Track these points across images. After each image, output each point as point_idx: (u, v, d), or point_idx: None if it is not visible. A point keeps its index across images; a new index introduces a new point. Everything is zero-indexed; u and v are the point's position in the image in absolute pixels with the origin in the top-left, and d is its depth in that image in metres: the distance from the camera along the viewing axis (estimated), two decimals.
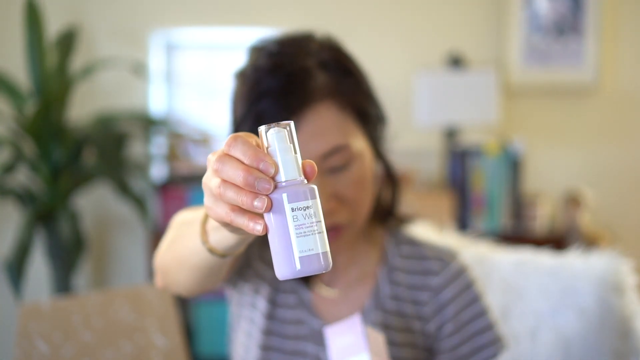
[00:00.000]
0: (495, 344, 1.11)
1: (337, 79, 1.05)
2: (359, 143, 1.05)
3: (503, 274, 1.47)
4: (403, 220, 1.19)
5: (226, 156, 0.65)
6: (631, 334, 1.37)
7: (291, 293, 1.15)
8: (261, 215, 0.66)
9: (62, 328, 1.49)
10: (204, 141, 3.08)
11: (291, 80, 1.02)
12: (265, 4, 3.07)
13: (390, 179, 1.16)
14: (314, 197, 0.66)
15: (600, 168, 3.11)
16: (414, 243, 1.16)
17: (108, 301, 1.55)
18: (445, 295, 1.11)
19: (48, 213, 2.71)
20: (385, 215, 1.17)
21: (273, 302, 1.15)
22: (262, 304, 1.16)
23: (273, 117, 1.00)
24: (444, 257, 1.14)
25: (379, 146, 1.12)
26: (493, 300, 1.46)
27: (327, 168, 1.02)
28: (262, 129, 0.68)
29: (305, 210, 0.65)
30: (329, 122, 1.02)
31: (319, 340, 1.11)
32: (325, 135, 1.02)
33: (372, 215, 1.15)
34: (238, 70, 1.09)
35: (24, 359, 1.44)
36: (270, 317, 1.15)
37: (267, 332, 1.14)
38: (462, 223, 2.86)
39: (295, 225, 0.65)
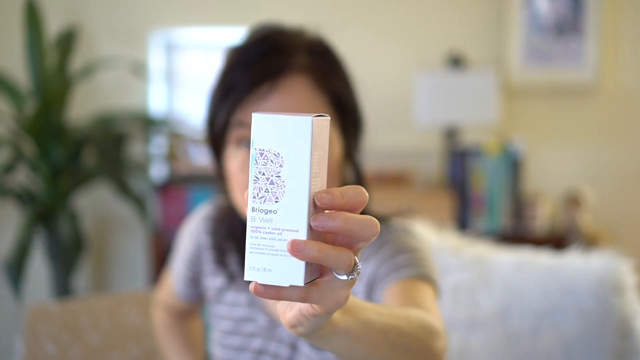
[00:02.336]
0: (417, 267, 1.02)
1: (319, 62, 1.05)
2: (330, 129, 1.05)
3: (503, 274, 1.47)
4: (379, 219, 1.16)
5: None
6: (631, 334, 1.37)
7: (242, 292, 1.18)
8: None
9: (69, 330, 1.49)
10: (204, 141, 3.07)
11: (272, 49, 1.03)
12: (265, 3, 3.07)
13: (357, 182, 1.13)
14: None
15: (600, 168, 3.11)
16: None
17: (116, 305, 1.55)
18: (371, 257, 1.06)
19: (48, 213, 2.71)
20: None
21: (225, 302, 1.20)
22: (217, 305, 1.22)
23: (245, 87, 1.02)
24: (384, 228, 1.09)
25: (351, 147, 1.10)
26: (492, 300, 1.46)
27: None
28: None
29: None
30: (301, 95, 1.03)
31: (269, 335, 1.14)
32: (295, 107, 1.02)
33: None
34: (228, 48, 1.10)
35: (32, 359, 1.44)
36: (225, 316, 1.19)
37: (226, 332, 1.19)
38: (462, 223, 2.86)
39: None
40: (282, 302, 0.64)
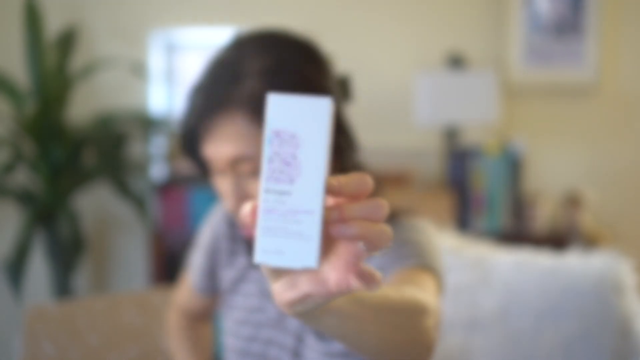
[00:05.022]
0: (420, 257, 1.03)
1: (267, 88, 0.99)
2: None
3: (503, 274, 1.47)
4: None
5: None
6: (631, 334, 1.37)
7: (253, 282, 1.20)
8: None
9: (68, 331, 1.49)
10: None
11: (220, 81, 1.03)
12: (265, 3, 3.07)
13: None
14: None
15: (600, 168, 3.12)
16: None
17: (114, 305, 1.55)
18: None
19: (48, 213, 2.71)
20: None
21: (239, 293, 1.22)
22: (232, 297, 1.24)
23: (198, 114, 1.03)
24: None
25: (344, 164, 1.06)
26: (493, 300, 1.47)
27: (237, 173, 1.04)
28: None
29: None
30: (239, 129, 1.01)
31: (278, 325, 1.15)
32: (232, 142, 1.02)
33: None
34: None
35: None
36: (239, 306, 1.21)
37: (238, 322, 1.21)
38: (462, 223, 2.86)
39: None
40: (282, 281, 0.62)
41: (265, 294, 1.18)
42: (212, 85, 1.03)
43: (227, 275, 1.25)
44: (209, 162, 1.06)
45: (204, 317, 1.39)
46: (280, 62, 1.02)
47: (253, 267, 1.21)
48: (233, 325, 1.21)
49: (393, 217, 1.13)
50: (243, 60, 1.03)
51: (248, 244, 1.21)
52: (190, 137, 1.07)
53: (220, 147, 1.03)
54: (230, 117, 1.01)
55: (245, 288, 1.22)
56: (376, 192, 1.07)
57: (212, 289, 1.31)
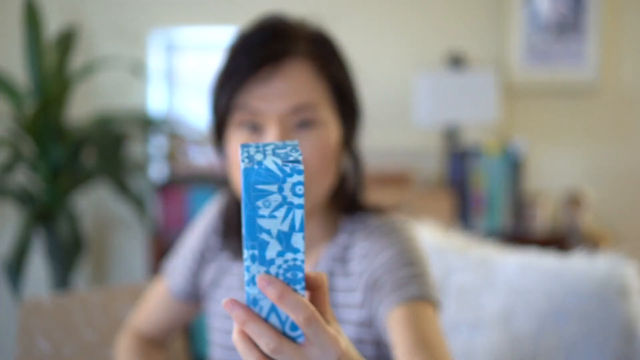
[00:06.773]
0: (419, 285, 1.01)
1: (320, 49, 1.08)
2: (328, 114, 1.07)
3: (506, 275, 1.48)
4: (370, 210, 1.15)
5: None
6: (635, 337, 1.38)
7: (235, 275, 1.19)
8: None
9: (63, 325, 1.48)
10: (203, 141, 3.08)
11: (275, 35, 1.06)
12: (265, 4, 3.07)
13: (356, 170, 1.16)
14: None
15: (601, 168, 3.12)
16: (365, 222, 1.13)
17: (109, 299, 1.55)
18: (374, 257, 1.06)
19: (47, 213, 2.71)
20: (349, 206, 1.15)
21: (220, 286, 1.20)
22: (211, 302, 1.23)
23: (247, 70, 1.03)
24: (382, 227, 1.10)
25: (350, 135, 1.11)
26: (496, 302, 1.47)
27: (292, 124, 1.04)
28: None
29: None
30: (302, 79, 1.05)
31: None
32: (296, 91, 1.04)
33: (335, 206, 1.15)
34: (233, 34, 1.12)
35: (26, 357, 1.44)
36: (220, 300, 1.19)
37: (221, 316, 1.19)
38: (463, 223, 2.86)
39: None
40: None
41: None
42: (262, 43, 1.05)
43: (210, 271, 1.22)
44: (252, 115, 1.04)
45: (163, 338, 1.31)
46: (321, 31, 1.12)
47: (236, 260, 1.19)
48: (217, 320, 1.20)
49: (383, 212, 1.14)
50: (292, 25, 1.09)
51: (238, 237, 1.17)
52: (230, 93, 1.05)
53: (281, 97, 1.03)
54: (292, 67, 1.04)
55: (227, 281, 1.19)
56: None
57: (192, 293, 1.25)
